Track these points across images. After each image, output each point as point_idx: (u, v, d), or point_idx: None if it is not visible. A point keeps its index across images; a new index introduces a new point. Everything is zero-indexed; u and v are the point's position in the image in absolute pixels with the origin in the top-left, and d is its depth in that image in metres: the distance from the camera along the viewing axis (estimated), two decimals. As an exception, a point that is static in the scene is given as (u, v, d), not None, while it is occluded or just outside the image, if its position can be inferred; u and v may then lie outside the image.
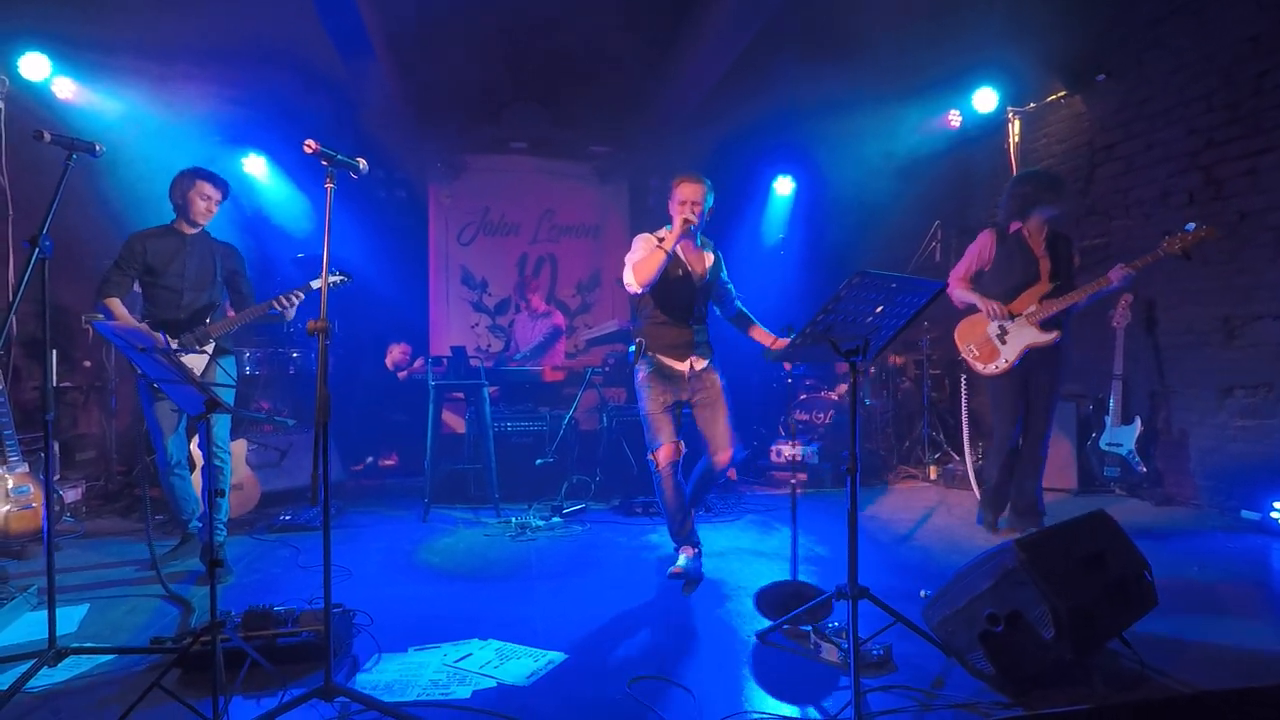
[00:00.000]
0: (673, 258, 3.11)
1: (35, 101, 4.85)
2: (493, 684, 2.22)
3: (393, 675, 2.28)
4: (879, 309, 2.18)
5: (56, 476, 4.46)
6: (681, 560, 3.22)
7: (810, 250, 6.90)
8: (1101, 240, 5.20)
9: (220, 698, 1.96)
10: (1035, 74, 5.48)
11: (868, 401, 6.04)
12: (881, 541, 3.85)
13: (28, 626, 2.71)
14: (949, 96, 5.83)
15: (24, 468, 3.74)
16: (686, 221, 3.07)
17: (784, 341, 3.17)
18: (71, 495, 4.42)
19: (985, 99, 5.65)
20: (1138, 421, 4.69)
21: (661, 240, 3.14)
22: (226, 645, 2.15)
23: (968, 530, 4.09)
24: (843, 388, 6.31)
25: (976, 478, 4.10)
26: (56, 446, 4.60)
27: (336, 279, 3.54)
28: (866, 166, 6.30)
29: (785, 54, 5.72)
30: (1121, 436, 4.75)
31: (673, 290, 3.18)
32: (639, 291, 3.12)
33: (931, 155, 6.11)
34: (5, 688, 2.11)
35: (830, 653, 2.33)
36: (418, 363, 6.18)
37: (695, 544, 3.28)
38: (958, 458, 5.69)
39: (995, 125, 5.82)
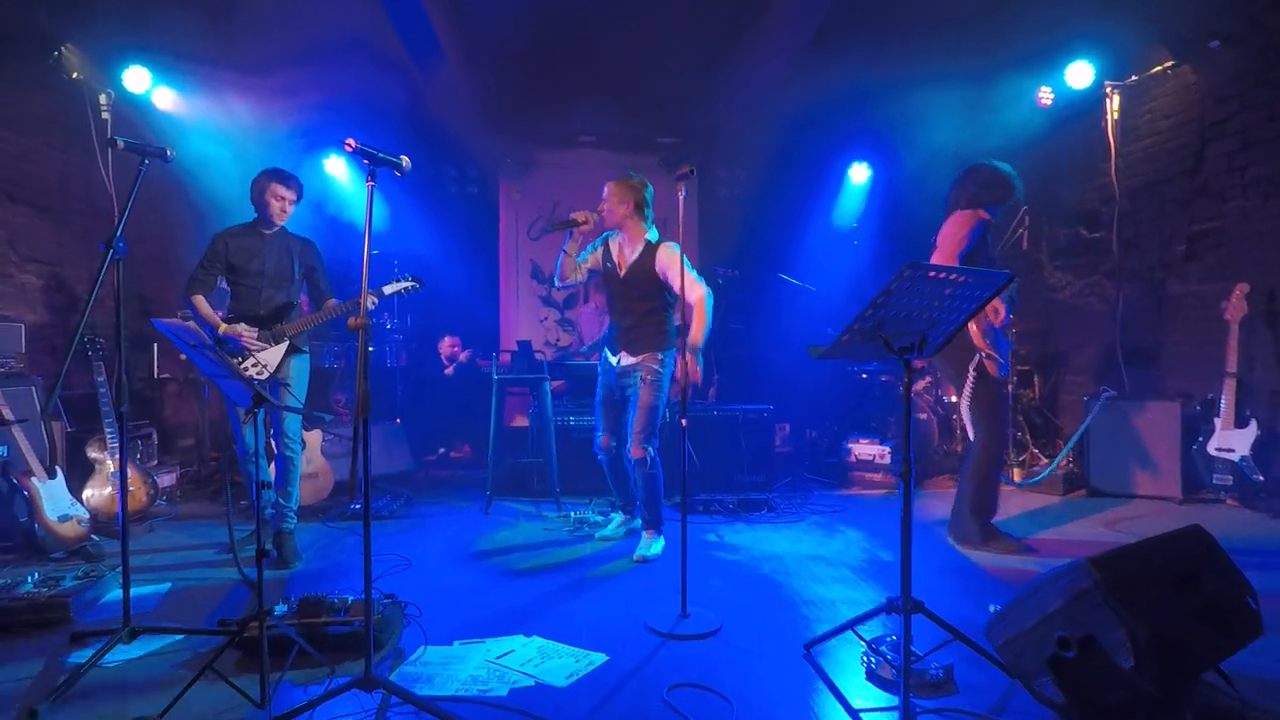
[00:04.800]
0: (604, 256, 3.54)
1: (137, 113, 5.19)
2: (531, 683, 2.20)
3: (435, 668, 2.30)
4: (937, 303, 2.02)
5: (154, 462, 4.80)
6: (609, 528, 3.89)
7: (887, 237, 6.62)
8: (1214, 224, 4.73)
9: (269, 683, 2.03)
10: (1137, 44, 5.02)
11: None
12: (953, 549, 3.62)
13: (116, 603, 2.89)
14: (1039, 73, 5.42)
15: (123, 454, 4.01)
16: (572, 220, 3.42)
17: (689, 362, 3.33)
18: (167, 480, 4.74)
19: (1080, 73, 5.22)
20: (1253, 424, 4.25)
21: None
22: (277, 632, 2.23)
23: (1048, 537, 3.81)
24: (922, 384, 6.01)
25: (978, 488, 3.58)
26: (156, 435, 4.95)
27: (407, 285, 3.63)
28: (948, 151, 5.94)
29: (859, 34, 5.46)
30: (1233, 441, 4.31)
31: (606, 286, 3.59)
32: (559, 287, 3.64)
33: (1019, 136, 5.69)
34: (84, 661, 2.26)
35: (885, 670, 2.20)
36: (464, 354, 6.29)
37: (632, 514, 3.84)
38: (1045, 460, 5.32)
39: (1091, 101, 5.37)
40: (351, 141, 2.04)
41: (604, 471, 3.78)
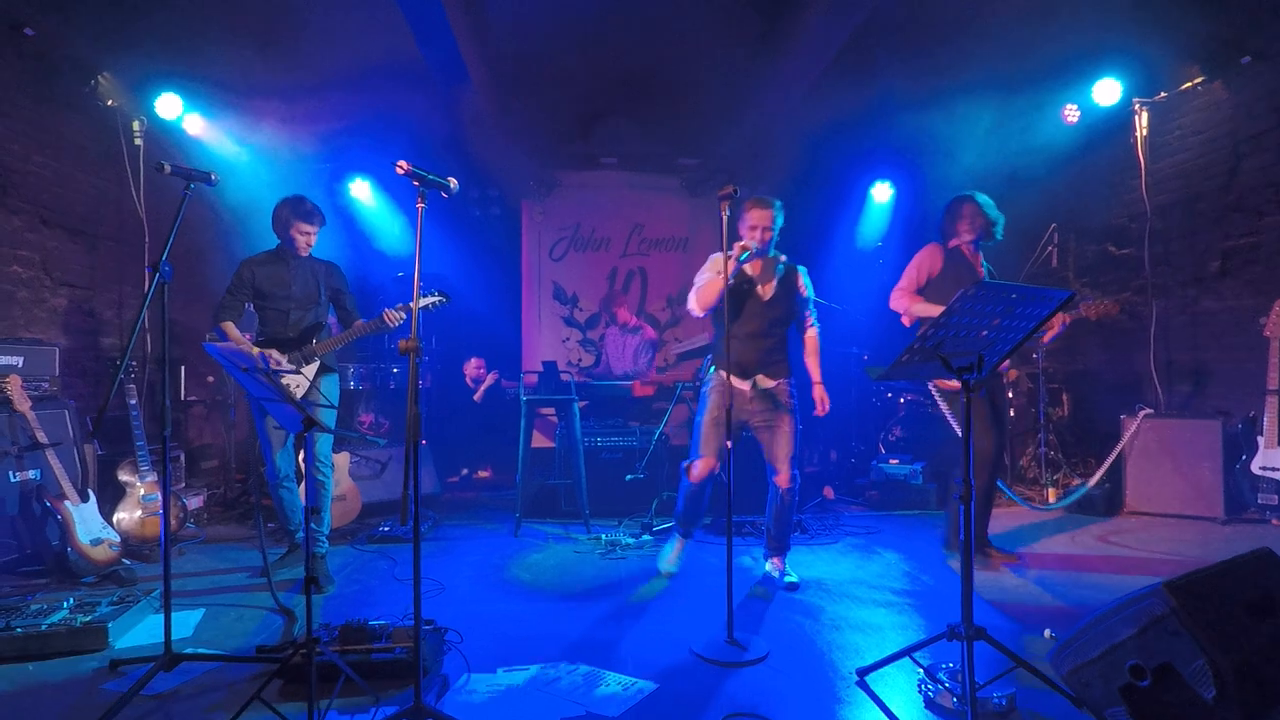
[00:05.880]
0: (737, 276, 3.30)
1: (169, 139, 5.27)
2: (581, 712, 2.15)
3: (481, 697, 2.25)
4: (996, 322, 1.98)
5: (181, 485, 4.79)
6: (666, 559, 3.56)
7: (912, 256, 6.56)
8: (1249, 239, 4.67)
9: (316, 713, 1.98)
10: (1166, 60, 5.00)
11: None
12: (994, 573, 3.54)
13: (150, 629, 2.87)
14: (1065, 90, 5.40)
15: (154, 477, 4.02)
16: (743, 248, 3.19)
17: (820, 393, 3.44)
18: (194, 503, 4.73)
19: (1107, 90, 5.19)
20: (1299, 443, 4.15)
21: (728, 258, 3.26)
22: (322, 659, 2.19)
23: (1093, 558, 3.72)
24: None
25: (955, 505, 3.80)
26: (183, 457, 4.95)
27: (435, 300, 3.61)
28: (973, 169, 5.92)
29: (883, 54, 5.48)
30: (1278, 460, 4.22)
31: (740, 306, 3.34)
32: (700, 315, 3.34)
33: (1046, 154, 5.68)
34: (125, 690, 2.22)
35: (944, 698, 2.13)
36: (489, 377, 6.26)
37: (689, 536, 3.60)
38: (1079, 479, 5.22)
39: (1119, 119, 5.35)
40: (404, 164, 2.04)
41: (682, 496, 3.44)
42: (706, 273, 3.34)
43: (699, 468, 3.31)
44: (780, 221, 3.30)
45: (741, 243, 3.21)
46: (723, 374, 3.28)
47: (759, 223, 3.26)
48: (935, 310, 3.73)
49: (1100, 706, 1.93)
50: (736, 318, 3.32)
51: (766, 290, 3.35)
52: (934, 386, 3.82)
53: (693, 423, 3.41)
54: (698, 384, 5.06)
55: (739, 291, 3.33)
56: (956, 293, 3.67)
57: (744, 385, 3.31)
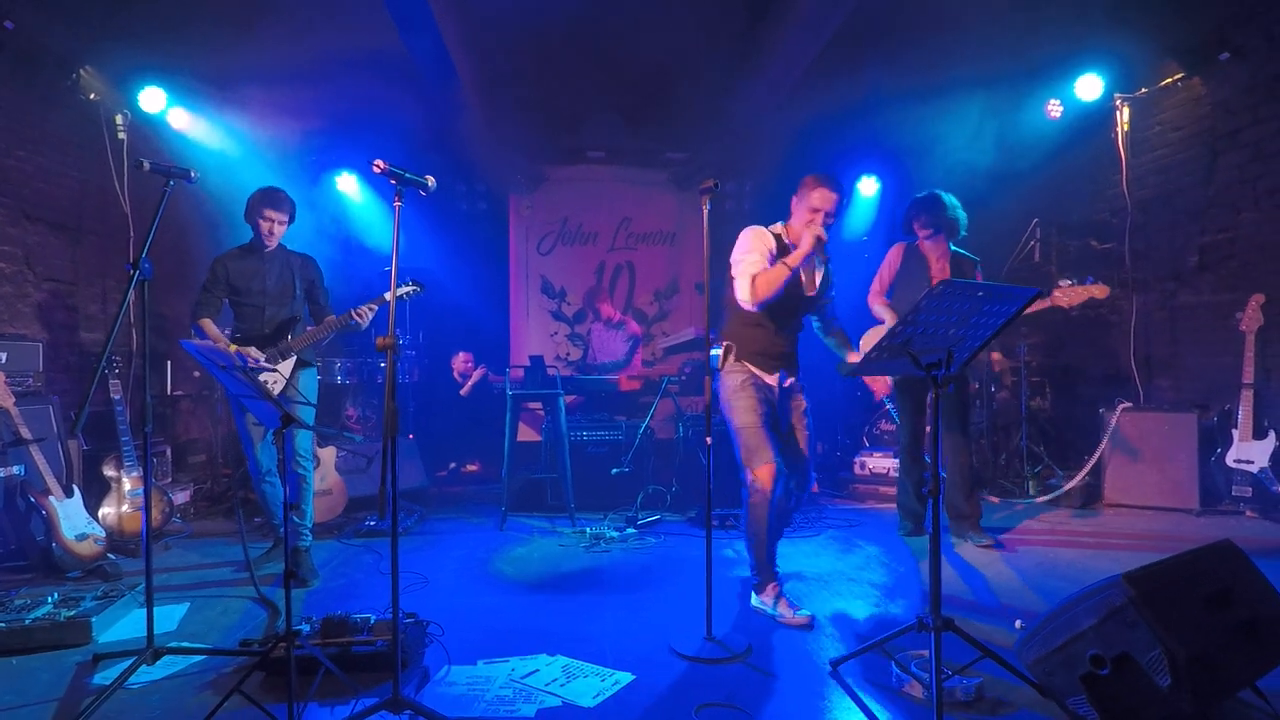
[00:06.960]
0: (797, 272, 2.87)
1: (153, 132, 5.24)
2: (558, 703, 2.19)
3: (461, 689, 2.29)
4: (965, 319, 2.02)
5: (168, 480, 4.80)
6: (773, 604, 2.90)
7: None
8: (1226, 235, 4.73)
9: (296, 704, 2.01)
10: (1146, 56, 5.05)
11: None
12: (971, 564, 3.60)
13: (135, 623, 2.89)
14: (1048, 85, 5.45)
15: (139, 472, 4.02)
16: (819, 239, 2.80)
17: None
18: (181, 498, 4.73)
19: (1089, 86, 5.23)
20: (1272, 436, 4.23)
21: (778, 236, 2.94)
22: (303, 653, 2.22)
23: (1069, 551, 3.79)
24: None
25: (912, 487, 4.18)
26: (170, 452, 4.96)
27: (409, 289, 3.61)
28: (957, 164, 5.96)
29: (868, 49, 5.50)
30: (1252, 452, 4.29)
31: (785, 300, 2.88)
32: (753, 309, 2.87)
33: (1029, 149, 5.73)
34: (109, 683, 2.25)
35: (914, 688, 2.18)
36: (477, 372, 6.27)
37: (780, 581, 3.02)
38: (1060, 472, 5.29)
39: (1101, 114, 5.40)
40: (380, 163, 2.05)
41: (750, 517, 2.90)
42: (753, 253, 2.88)
43: (767, 474, 2.79)
44: (843, 211, 2.97)
45: (817, 234, 2.80)
46: (749, 367, 2.96)
47: (824, 205, 2.82)
48: (883, 315, 4.06)
49: (1063, 695, 1.98)
50: (772, 306, 2.89)
51: (812, 284, 3.02)
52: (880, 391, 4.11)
53: (727, 430, 2.93)
54: (682, 378, 5.12)
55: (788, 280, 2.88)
56: (909, 289, 3.77)
57: (770, 379, 2.98)
